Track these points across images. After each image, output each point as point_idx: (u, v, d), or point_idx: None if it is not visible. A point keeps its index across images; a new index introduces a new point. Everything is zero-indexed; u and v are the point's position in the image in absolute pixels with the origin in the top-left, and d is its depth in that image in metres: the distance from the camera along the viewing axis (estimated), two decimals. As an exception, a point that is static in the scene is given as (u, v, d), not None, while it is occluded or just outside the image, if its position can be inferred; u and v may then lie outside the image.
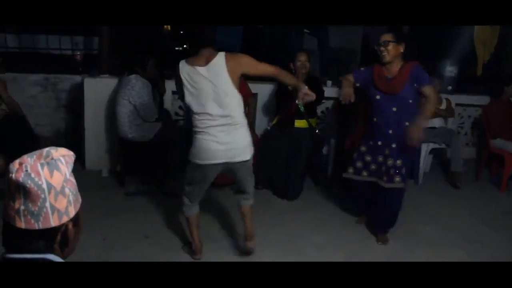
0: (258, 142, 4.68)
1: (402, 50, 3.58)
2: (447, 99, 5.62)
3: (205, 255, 3.36)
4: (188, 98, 2.97)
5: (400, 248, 3.73)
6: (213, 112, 2.94)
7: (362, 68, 3.89)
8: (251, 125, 5.04)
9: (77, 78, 5.17)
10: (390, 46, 3.54)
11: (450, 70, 6.07)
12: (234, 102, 2.98)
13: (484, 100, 6.16)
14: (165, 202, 4.18)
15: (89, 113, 4.87)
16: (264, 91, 5.37)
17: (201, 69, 2.91)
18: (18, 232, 1.17)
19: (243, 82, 4.91)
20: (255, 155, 4.47)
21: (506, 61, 6.87)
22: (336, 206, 4.46)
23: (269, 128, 4.79)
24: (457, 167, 5.28)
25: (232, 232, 3.78)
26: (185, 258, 3.35)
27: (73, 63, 5.42)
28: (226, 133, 2.97)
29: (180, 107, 5.32)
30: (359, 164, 3.83)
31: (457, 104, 6.05)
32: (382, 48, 3.57)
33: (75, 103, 5.20)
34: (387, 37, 3.56)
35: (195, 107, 2.96)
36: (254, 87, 5.26)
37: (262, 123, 5.24)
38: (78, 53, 5.54)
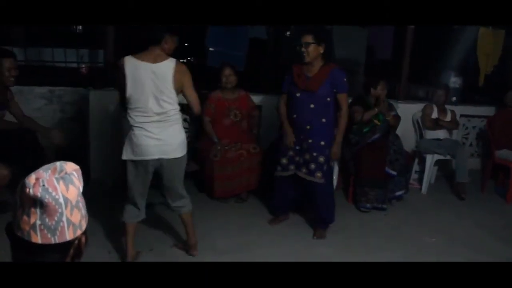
0: (262, 155, 4.68)
1: (321, 51, 3.76)
2: (452, 111, 5.61)
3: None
4: (130, 92, 3.04)
5: (405, 259, 3.71)
6: (152, 108, 3.05)
7: (286, 77, 4.04)
8: (255, 137, 5.04)
9: (82, 90, 5.20)
10: (311, 48, 3.70)
11: (454, 81, 6.07)
12: (171, 102, 3.09)
13: (489, 110, 6.15)
14: (169, 214, 4.16)
15: (94, 125, 4.90)
16: (268, 103, 5.37)
17: (148, 65, 3.03)
18: (32, 247, 1.18)
19: (245, 95, 4.95)
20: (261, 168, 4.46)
21: (509, 70, 6.86)
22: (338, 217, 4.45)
23: (274, 141, 4.78)
24: (462, 178, 5.25)
25: (239, 243, 3.77)
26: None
27: (79, 76, 5.45)
28: (161, 129, 3.08)
29: (185, 120, 5.32)
30: (284, 161, 3.96)
31: (461, 115, 6.04)
32: (302, 49, 3.72)
33: (80, 115, 5.23)
34: (307, 38, 3.70)
35: (134, 102, 3.06)
36: (258, 99, 5.27)
37: (266, 135, 5.23)
38: (84, 66, 5.59)
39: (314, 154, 3.80)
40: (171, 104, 3.09)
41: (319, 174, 3.81)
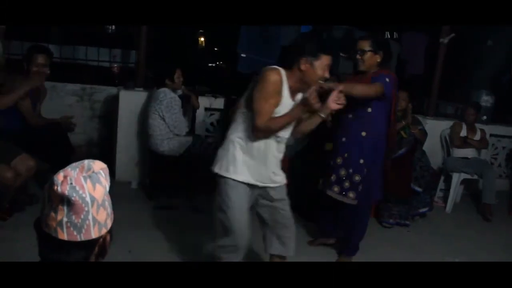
0: (287, 163, 4.67)
1: (379, 60, 3.40)
2: (482, 130, 5.51)
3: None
4: None
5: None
6: None
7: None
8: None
9: (113, 89, 5.28)
10: (367, 55, 3.37)
11: (486, 99, 5.97)
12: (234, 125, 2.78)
13: (520, 131, 6.03)
14: (192, 217, 4.19)
15: (122, 124, 4.96)
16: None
17: None
18: (58, 244, 1.20)
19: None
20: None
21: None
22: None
23: (298, 150, 4.78)
24: (489, 199, 5.14)
25: (261, 252, 3.76)
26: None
27: (110, 75, 5.54)
28: None
29: (211, 124, 5.36)
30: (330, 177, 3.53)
31: (491, 135, 5.93)
32: (358, 57, 3.40)
33: (109, 114, 5.31)
34: (363, 45, 3.38)
35: None
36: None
37: (293, 143, 5.22)
38: (115, 65, 5.67)
39: (350, 171, 3.41)
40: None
41: (351, 195, 3.41)
